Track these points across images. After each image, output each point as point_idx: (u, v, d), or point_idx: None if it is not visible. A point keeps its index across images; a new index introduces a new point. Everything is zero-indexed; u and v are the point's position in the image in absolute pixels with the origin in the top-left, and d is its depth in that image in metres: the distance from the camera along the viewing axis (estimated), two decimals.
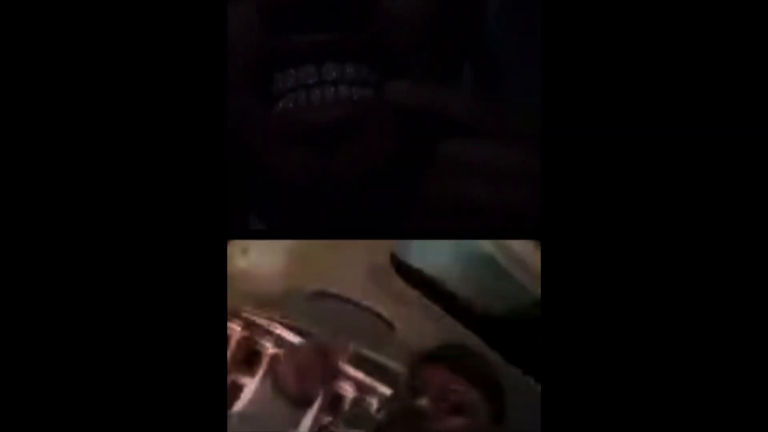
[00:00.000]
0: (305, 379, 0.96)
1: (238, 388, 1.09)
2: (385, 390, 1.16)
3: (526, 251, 0.85)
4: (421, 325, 0.96)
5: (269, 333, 1.19)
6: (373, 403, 1.21)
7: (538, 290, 0.88)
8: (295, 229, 0.71)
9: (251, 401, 1.01)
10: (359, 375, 1.20)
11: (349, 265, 0.89)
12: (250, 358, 1.28)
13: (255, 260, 0.84)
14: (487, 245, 0.86)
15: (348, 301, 0.94)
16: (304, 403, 0.99)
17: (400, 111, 0.58)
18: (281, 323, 1.16)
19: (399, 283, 0.91)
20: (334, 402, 1.22)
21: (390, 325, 0.97)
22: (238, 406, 1.00)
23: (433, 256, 0.92)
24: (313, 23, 0.58)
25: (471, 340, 0.96)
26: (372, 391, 1.22)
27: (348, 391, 1.25)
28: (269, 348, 1.26)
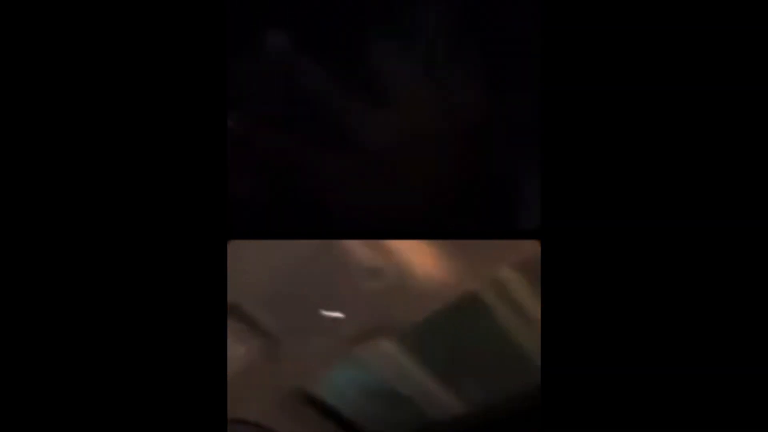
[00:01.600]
0: None
1: None
2: None
3: (425, 382, 0.94)
4: None
5: None
6: None
7: (437, 413, 1.02)
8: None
9: None
10: None
11: (265, 395, 0.96)
12: None
13: None
14: (391, 377, 0.94)
15: (265, 428, 1.00)
16: None
17: None
18: None
19: (309, 412, 1.00)
20: None
21: None
22: None
23: (337, 387, 1.00)
24: None
25: None
26: None
27: None
28: None
